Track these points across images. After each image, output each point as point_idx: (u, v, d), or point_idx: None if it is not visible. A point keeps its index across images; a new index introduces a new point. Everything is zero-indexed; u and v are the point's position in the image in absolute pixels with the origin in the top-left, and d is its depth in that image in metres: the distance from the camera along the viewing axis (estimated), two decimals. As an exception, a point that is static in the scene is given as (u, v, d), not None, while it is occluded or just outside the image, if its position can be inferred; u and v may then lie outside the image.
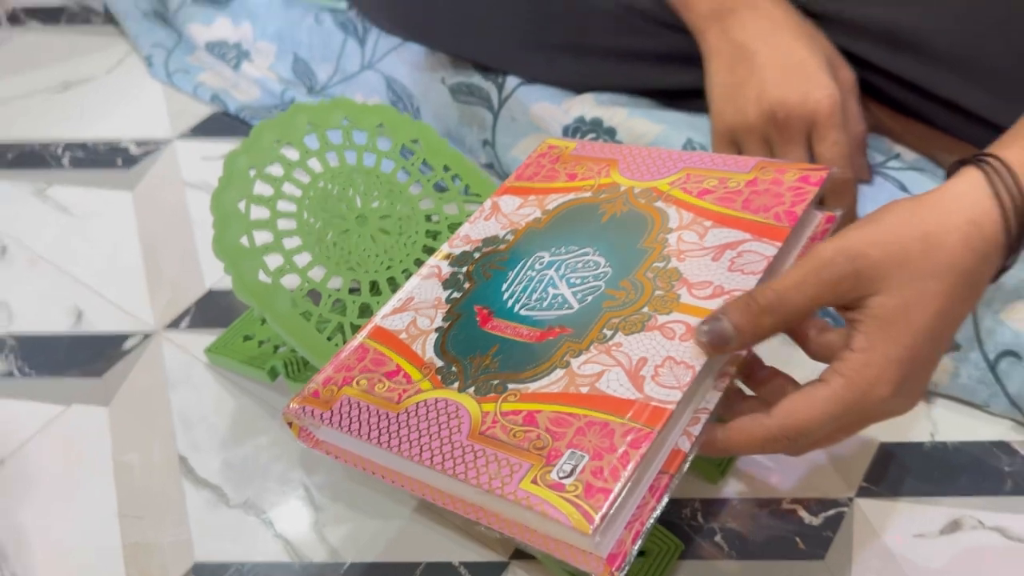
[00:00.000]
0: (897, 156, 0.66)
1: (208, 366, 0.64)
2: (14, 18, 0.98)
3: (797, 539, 0.55)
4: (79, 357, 0.65)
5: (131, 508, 0.57)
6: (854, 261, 0.39)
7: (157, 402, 0.62)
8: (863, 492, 0.57)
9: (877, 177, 0.63)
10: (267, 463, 0.59)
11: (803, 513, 0.56)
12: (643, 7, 0.65)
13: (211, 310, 0.68)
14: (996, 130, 0.45)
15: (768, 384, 0.45)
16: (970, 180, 0.41)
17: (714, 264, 0.47)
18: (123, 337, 0.66)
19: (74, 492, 0.57)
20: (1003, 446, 0.59)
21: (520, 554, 0.54)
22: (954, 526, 0.56)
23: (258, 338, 0.63)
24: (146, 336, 0.66)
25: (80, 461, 0.59)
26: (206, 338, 0.65)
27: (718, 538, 0.55)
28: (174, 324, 0.67)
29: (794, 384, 0.44)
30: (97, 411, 0.62)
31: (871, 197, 0.61)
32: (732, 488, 0.57)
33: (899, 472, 0.58)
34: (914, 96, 0.62)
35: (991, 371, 0.59)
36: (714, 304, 0.44)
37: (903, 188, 0.62)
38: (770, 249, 0.46)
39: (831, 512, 0.56)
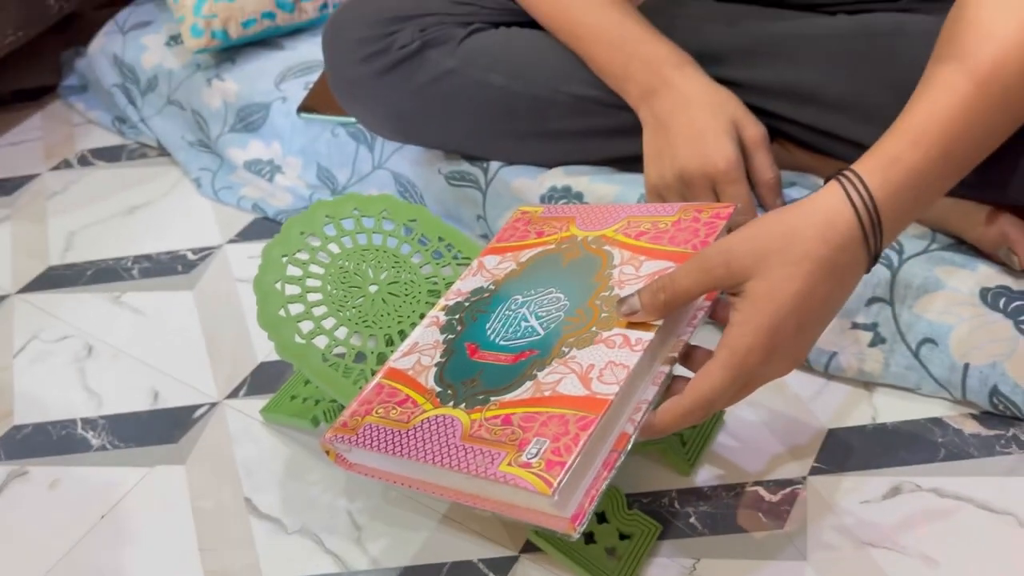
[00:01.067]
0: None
1: (263, 424, 0.77)
2: (83, 160, 1.15)
3: (760, 514, 0.65)
4: (158, 428, 0.79)
5: (209, 543, 0.69)
6: (725, 254, 0.51)
7: (224, 457, 0.75)
8: (814, 471, 0.67)
9: (801, 207, 0.75)
10: (316, 495, 0.71)
11: (764, 492, 0.66)
12: (592, 95, 0.78)
13: (263, 379, 0.82)
14: None
15: (692, 358, 0.56)
16: (830, 189, 0.53)
17: (646, 288, 0.59)
18: (193, 408, 0.80)
19: (162, 534, 0.70)
20: (936, 421, 0.69)
21: (528, 547, 0.65)
22: (895, 491, 0.65)
23: (302, 396, 0.76)
24: (212, 405, 0.80)
25: (165, 510, 0.72)
26: (260, 402, 0.78)
27: (692, 519, 0.65)
28: (233, 393, 0.81)
29: (709, 353, 0.55)
30: (176, 469, 0.75)
31: (797, 224, 0.73)
32: (701, 477, 0.68)
33: (845, 452, 0.68)
34: (819, 137, 0.74)
35: (915, 358, 0.69)
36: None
37: (825, 214, 0.74)
38: (688, 271, 0.58)
39: (787, 490, 0.66)
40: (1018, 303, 0.66)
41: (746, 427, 0.70)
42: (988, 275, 0.67)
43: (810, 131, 0.74)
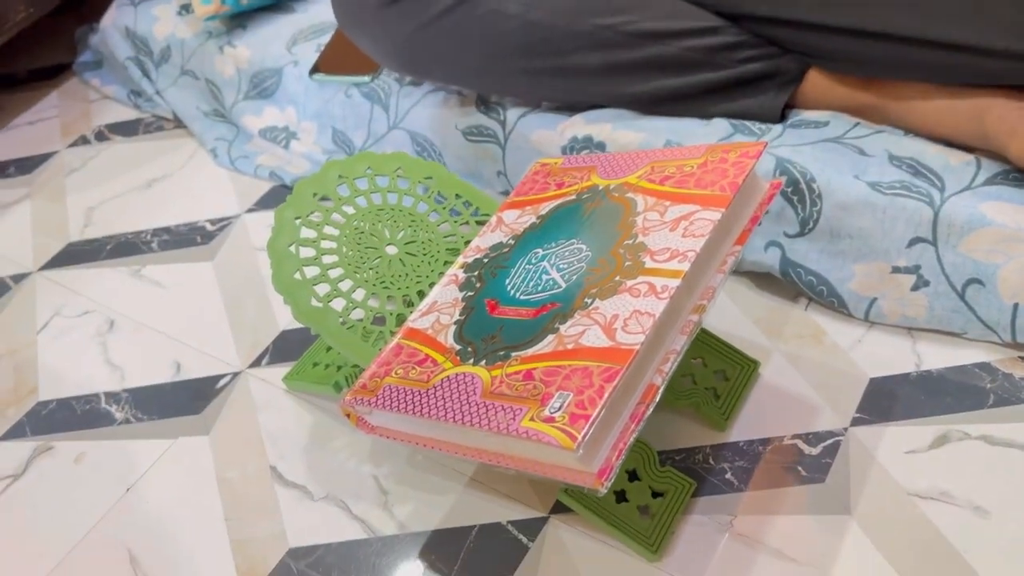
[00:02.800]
0: (857, 124, 0.73)
1: (286, 391, 0.76)
2: (100, 135, 1.14)
3: (799, 468, 0.62)
4: (181, 399, 0.78)
5: (234, 512, 0.68)
6: None
7: (248, 426, 0.74)
8: (856, 422, 0.64)
9: (835, 144, 0.71)
10: (342, 462, 0.69)
11: (803, 446, 0.63)
12: (615, 24, 0.75)
13: (285, 347, 0.80)
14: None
15: None
16: None
17: (671, 234, 0.56)
18: (216, 378, 0.79)
19: (187, 505, 0.69)
20: (984, 366, 0.66)
21: (558, 507, 0.63)
22: (942, 440, 0.62)
23: (324, 362, 0.74)
24: (234, 375, 0.79)
25: (190, 481, 0.71)
26: (283, 370, 0.77)
27: (728, 475, 0.63)
28: (256, 362, 0.79)
29: None
30: (200, 440, 0.74)
31: (831, 163, 0.69)
32: (737, 433, 0.65)
33: (889, 401, 0.65)
34: (854, 41, 0.69)
35: (961, 300, 0.66)
36: (670, 265, 0.53)
37: (862, 152, 0.70)
38: (715, 214, 0.55)
39: (828, 442, 0.63)
40: (1071, 237, 0.62)
41: (783, 379, 0.68)
42: (1038, 208, 0.63)
43: (838, 34, 0.70)
